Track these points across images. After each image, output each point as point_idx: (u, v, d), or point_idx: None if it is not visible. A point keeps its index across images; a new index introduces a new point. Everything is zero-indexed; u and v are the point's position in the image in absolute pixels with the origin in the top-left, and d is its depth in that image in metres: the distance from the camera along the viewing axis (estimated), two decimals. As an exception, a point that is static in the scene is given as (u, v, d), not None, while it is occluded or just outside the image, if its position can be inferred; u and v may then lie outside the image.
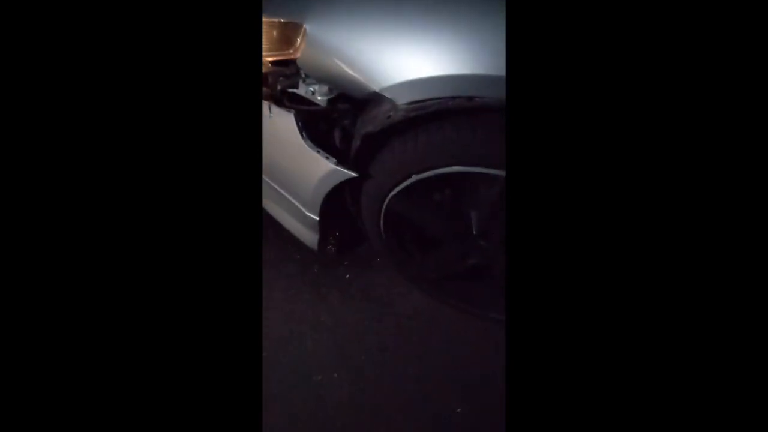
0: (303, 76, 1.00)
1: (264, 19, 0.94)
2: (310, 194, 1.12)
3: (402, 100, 0.83)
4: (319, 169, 1.03)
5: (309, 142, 1.02)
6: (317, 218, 1.17)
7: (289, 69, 1.01)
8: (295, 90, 1.02)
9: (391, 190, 1.00)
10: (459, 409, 1.09)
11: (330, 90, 0.98)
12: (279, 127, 1.05)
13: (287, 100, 1.02)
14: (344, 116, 1.01)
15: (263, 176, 1.23)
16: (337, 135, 1.03)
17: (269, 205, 1.31)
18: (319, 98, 0.98)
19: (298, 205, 1.19)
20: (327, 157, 1.00)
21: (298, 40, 0.92)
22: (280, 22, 0.94)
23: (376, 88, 0.84)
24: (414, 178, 0.94)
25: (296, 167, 1.11)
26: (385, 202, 1.03)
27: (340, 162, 0.99)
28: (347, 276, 1.39)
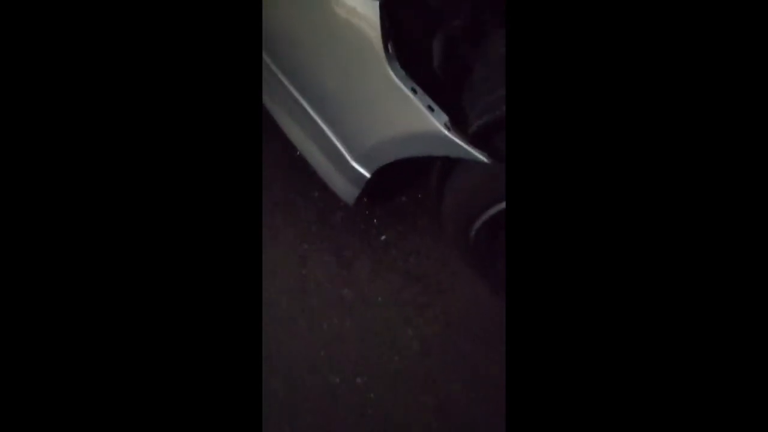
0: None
1: None
2: (372, 145, 0.73)
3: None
4: (407, 120, 0.63)
5: (397, 65, 0.60)
6: (368, 175, 0.78)
7: None
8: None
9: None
10: None
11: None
12: (348, 21, 0.62)
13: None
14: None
15: (299, 95, 0.81)
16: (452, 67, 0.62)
17: (297, 134, 0.91)
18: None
19: (343, 150, 0.80)
20: (430, 109, 0.58)
21: None
22: None
23: None
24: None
25: (362, 98, 0.71)
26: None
27: (454, 123, 0.58)
28: (383, 237, 1.02)
